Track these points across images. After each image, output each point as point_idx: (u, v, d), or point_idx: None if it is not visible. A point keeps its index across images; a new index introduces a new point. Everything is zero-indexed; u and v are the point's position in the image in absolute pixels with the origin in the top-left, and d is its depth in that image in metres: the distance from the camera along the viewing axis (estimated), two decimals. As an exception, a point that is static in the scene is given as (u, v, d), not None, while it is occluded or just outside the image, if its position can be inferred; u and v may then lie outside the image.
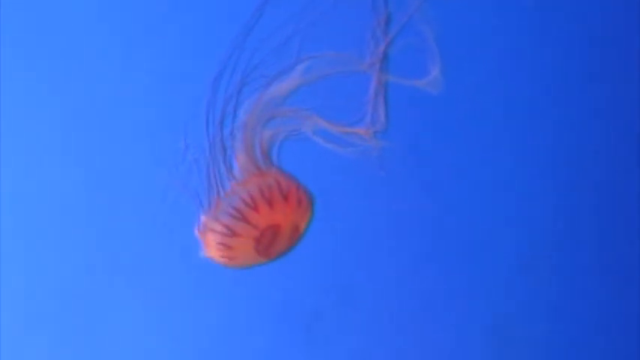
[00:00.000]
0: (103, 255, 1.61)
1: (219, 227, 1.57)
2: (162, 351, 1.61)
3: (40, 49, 1.57)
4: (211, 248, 1.57)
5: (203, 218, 1.57)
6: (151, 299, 1.61)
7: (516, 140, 1.67)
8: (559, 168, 1.67)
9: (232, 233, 1.57)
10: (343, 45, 1.58)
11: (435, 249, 1.68)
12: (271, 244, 1.57)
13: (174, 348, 1.61)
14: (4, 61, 1.56)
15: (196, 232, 1.56)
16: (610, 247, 1.66)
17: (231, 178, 1.57)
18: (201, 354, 1.62)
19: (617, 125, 1.68)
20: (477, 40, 1.66)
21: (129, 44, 1.59)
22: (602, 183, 1.67)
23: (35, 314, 1.60)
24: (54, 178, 1.58)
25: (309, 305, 1.64)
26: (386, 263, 1.68)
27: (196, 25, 1.63)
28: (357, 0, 1.59)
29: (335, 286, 1.64)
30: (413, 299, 1.67)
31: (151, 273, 1.61)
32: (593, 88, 1.68)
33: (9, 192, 1.58)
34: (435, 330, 1.68)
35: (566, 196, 1.67)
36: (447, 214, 1.67)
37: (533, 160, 1.67)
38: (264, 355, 1.63)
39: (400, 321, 1.67)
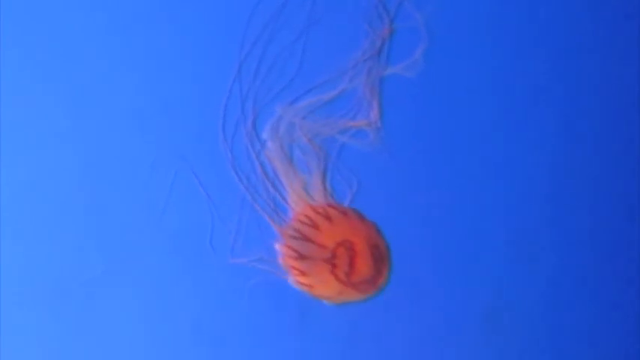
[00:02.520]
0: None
1: (287, 250, 1.55)
2: (156, 335, 1.60)
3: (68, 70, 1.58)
4: (291, 274, 1.55)
5: (277, 245, 1.57)
6: (146, 286, 1.60)
7: (511, 126, 1.69)
8: (552, 153, 1.69)
9: (300, 256, 1.54)
10: (340, 42, 1.60)
11: (428, 235, 1.68)
12: (352, 269, 1.53)
13: (168, 333, 1.60)
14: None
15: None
16: (604, 233, 1.69)
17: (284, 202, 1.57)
18: (194, 340, 1.61)
19: (610, 107, 1.71)
20: (473, 29, 1.69)
21: (161, 51, 1.61)
22: (596, 166, 1.70)
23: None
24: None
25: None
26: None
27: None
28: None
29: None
30: (405, 283, 1.67)
31: (151, 264, 1.61)
32: (590, 72, 1.70)
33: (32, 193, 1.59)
34: (428, 312, 1.69)
35: (559, 182, 1.69)
36: (442, 202, 1.68)
37: (526, 149, 1.69)
38: (258, 341, 1.61)
39: (392, 305, 1.67)
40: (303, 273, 1.53)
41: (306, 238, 1.54)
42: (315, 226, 1.55)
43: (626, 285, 1.67)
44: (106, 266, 1.58)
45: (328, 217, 1.55)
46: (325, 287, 1.53)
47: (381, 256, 1.55)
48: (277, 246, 1.56)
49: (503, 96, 1.68)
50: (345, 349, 1.64)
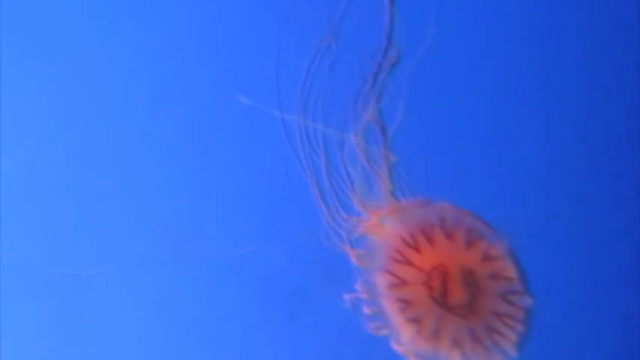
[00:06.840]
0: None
1: (390, 278, 1.50)
2: (152, 327, 1.60)
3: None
4: (397, 317, 1.50)
5: (376, 275, 1.52)
6: (139, 282, 1.61)
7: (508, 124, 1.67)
8: (549, 154, 1.67)
9: (402, 282, 1.49)
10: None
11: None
12: (446, 293, 1.49)
13: (161, 326, 1.60)
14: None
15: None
16: (600, 227, 1.66)
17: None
18: (187, 333, 1.60)
19: (607, 105, 1.69)
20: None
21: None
22: (592, 162, 1.68)
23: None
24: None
25: (292, 283, 1.61)
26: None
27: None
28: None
29: (318, 263, 1.60)
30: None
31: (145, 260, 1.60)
32: (587, 60, 1.70)
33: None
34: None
35: (557, 179, 1.66)
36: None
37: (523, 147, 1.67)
38: (248, 333, 1.60)
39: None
40: (407, 303, 1.49)
41: (407, 262, 1.50)
42: (416, 248, 1.51)
43: (625, 283, 1.64)
44: (99, 262, 1.59)
45: (430, 240, 1.51)
46: (428, 313, 1.50)
47: (474, 282, 1.50)
48: (377, 276, 1.53)
49: (499, 100, 1.67)
50: (336, 343, 1.61)
